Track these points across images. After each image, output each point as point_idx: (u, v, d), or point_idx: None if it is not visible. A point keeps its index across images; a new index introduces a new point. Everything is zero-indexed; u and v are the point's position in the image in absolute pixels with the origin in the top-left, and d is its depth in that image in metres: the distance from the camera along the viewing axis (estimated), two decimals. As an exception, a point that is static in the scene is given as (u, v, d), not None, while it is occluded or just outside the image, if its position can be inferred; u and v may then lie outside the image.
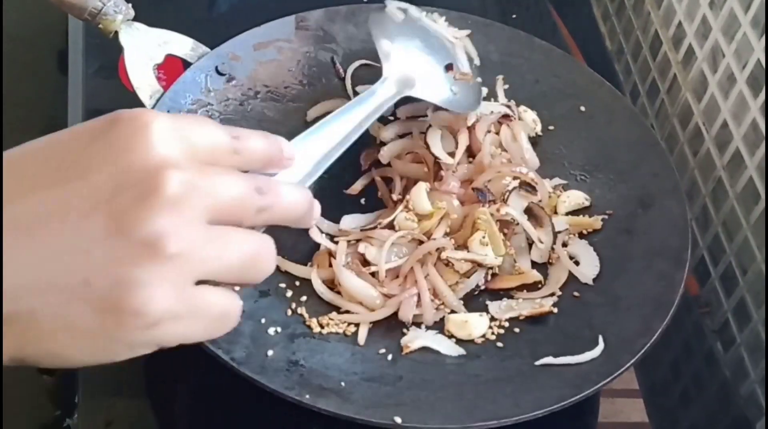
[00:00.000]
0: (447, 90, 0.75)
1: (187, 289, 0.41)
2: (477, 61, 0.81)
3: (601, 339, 0.63)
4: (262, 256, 0.45)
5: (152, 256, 0.39)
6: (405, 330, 0.66)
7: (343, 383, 0.61)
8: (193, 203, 0.41)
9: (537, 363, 0.63)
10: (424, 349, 0.65)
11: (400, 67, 0.72)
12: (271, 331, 0.64)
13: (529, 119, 0.79)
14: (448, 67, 0.77)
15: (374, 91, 0.69)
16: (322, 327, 0.65)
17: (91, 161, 0.41)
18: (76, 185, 0.40)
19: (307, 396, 0.58)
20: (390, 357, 0.64)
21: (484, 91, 0.81)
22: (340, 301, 0.67)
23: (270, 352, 0.62)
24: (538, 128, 0.79)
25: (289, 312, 0.66)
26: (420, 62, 0.75)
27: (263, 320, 0.65)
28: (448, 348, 0.65)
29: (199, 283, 0.42)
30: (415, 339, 0.65)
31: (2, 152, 0.41)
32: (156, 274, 0.40)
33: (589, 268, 0.70)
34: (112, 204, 0.40)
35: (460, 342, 0.65)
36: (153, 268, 0.39)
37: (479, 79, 0.79)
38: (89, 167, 0.41)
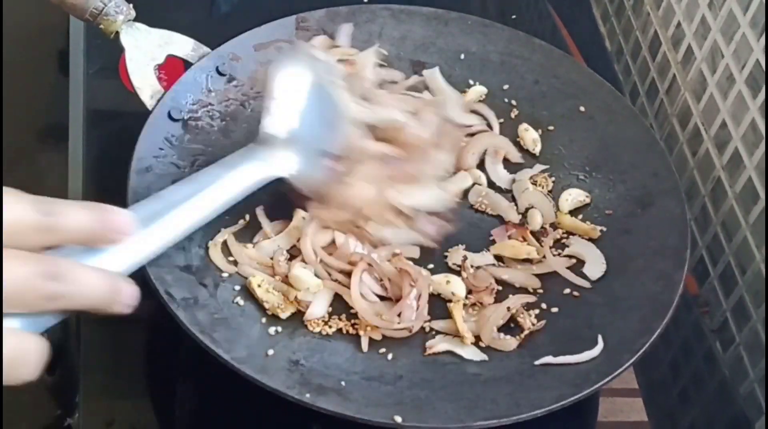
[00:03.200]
0: (316, 174, 0.67)
1: None
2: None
3: (600, 338, 0.64)
4: (20, 361, 0.41)
5: None
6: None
7: (343, 382, 0.61)
8: None
9: (536, 363, 0.63)
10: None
11: (279, 133, 0.65)
12: (272, 330, 0.64)
13: (530, 140, 0.79)
14: (326, 153, 0.68)
15: (243, 161, 0.63)
16: (322, 327, 0.65)
17: None
18: None
19: (308, 395, 0.58)
20: (390, 356, 0.64)
21: (483, 89, 0.81)
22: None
23: (270, 352, 0.62)
24: (537, 149, 0.79)
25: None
26: (302, 133, 0.66)
27: (263, 319, 0.65)
28: (471, 353, 0.65)
29: None
30: (439, 342, 0.65)
31: (2, 149, 0.41)
32: None
33: (594, 267, 0.70)
34: None
35: (484, 349, 0.65)
36: None
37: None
38: None
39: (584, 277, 0.70)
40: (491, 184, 0.76)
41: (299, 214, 0.70)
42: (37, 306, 0.41)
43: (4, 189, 0.43)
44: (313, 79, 0.68)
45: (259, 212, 0.71)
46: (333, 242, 0.69)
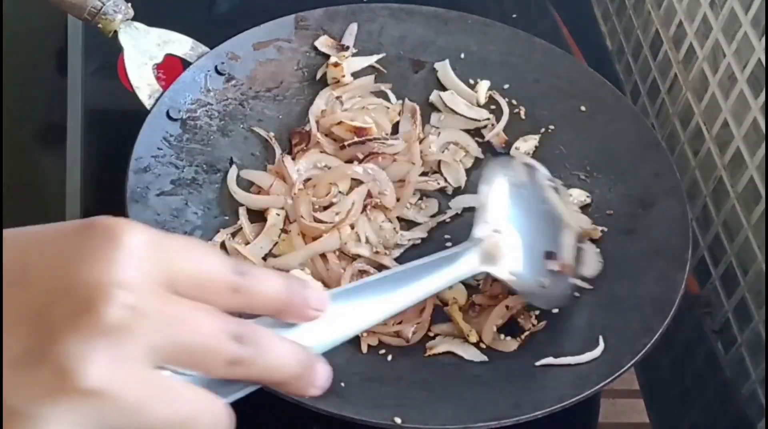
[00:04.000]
0: (535, 279, 0.63)
1: None
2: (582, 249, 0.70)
3: (601, 339, 0.63)
4: (198, 424, 0.36)
5: (61, 388, 0.32)
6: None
7: (342, 383, 0.60)
8: (136, 336, 0.34)
9: (537, 363, 0.63)
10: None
11: (495, 235, 0.61)
12: (272, 331, 0.64)
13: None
14: (549, 255, 0.64)
15: (457, 257, 0.57)
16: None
17: (40, 266, 0.35)
18: (15, 289, 0.34)
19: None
20: (390, 357, 0.64)
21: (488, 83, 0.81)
22: None
23: (269, 353, 0.62)
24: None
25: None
26: (519, 235, 0.62)
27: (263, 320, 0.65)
28: (472, 354, 0.65)
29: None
30: (440, 343, 0.65)
31: (1, 149, 0.39)
32: (58, 412, 0.33)
33: (591, 266, 0.70)
34: (42, 317, 0.34)
35: (484, 350, 0.65)
36: (57, 403, 0.33)
37: (574, 281, 0.67)
38: (35, 272, 0.35)
39: (582, 277, 0.69)
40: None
41: (272, 211, 0.70)
42: (216, 369, 0.37)
43: (199, 242, 0.40)
44: (524, 183, 0.66)
45: (242, 212, 0.71)
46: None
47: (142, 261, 0.35)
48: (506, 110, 0.80)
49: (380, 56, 0.82)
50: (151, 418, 0.34)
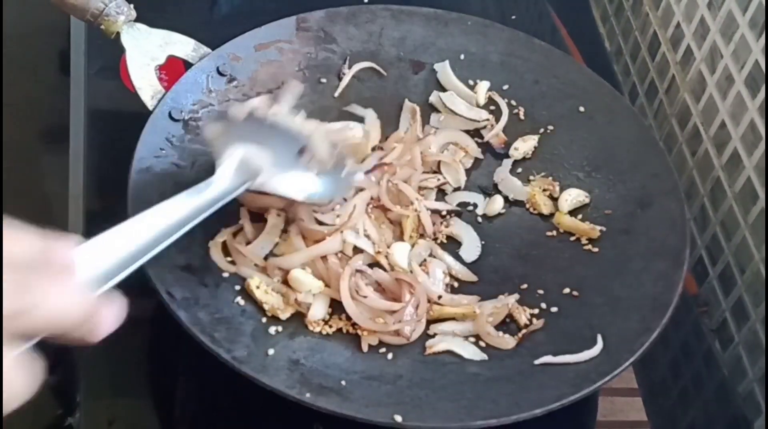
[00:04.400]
0: (299, 177, 0.68)
1: None
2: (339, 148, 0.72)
3: (600, 338, 0.64)
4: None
5: None
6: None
7: (343, 382, 0.61)
8: None
9: (536, 362, 0.63)
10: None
11: (239, 157, 0.65)
12: (272, 330, 0.64)
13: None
14: (301, 151, 0.69)
15: (201, 189, 0.61)
16: (323, 326, 0.66)
17: None
18: None
19: (308, 395, 0.58)
20: (390, 356, 0.64)
21: (487, 84, 0.82)
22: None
23: (271, 351, 0.62)
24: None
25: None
26: (266, 151, 0.66)
27: (264, 319, 0.65)
28: (472, 353, 0.65)
29: None
30: (440, 342, 0.65)
31: (2, 149, 0.39)
32: None
33: (470, 250, 0.72)
34: None
35: (484, 348, 0.65)
36: None
37: (348, 169, 0.71)
38: None
39: (460, 259, 0.72)
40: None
41: (273, 212, 0.70)
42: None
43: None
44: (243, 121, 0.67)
45: (243, 213, 0.71)
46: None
47: None
48: (505, 111, 0.80)
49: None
50: None
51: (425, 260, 0.71)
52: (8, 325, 0.37)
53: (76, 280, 0.41)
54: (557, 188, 0.76)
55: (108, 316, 0.42)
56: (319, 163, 0.69)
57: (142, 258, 0.50)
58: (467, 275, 0.71)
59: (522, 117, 0.81)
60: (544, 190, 0.76)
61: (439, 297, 0.68)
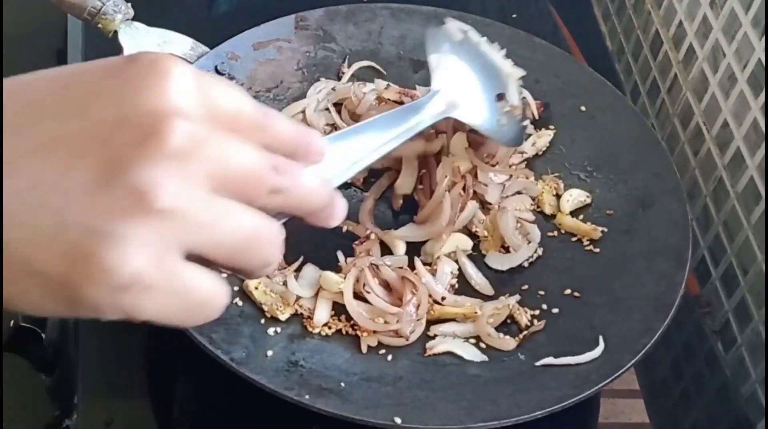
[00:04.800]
0: (493, 119, 0.74)
1: (170, 258, 0.36)
2: (529, 100, 0.79)
3: (601, 339, 0.63)
4: (263, 240, 0.39)
5: (138, 209, 0.35)
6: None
7: (342, 383, 0.60)
8: (198, 161, 0.36)
9: (537, 363, 0.63)
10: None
11: (450, 84, 0.70)
12: (271, 331, 0.64)
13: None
14: (499, 97, 0.74)
15: (422, 104, 0.66)
16: (322, 328, 0.65)
17: (97, 98, 0.36)
18: (73, 121, 0.36)
19: (307, 396, 0.58)
20: (390, 357, 0.64)
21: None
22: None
23: (269, 353, 0.62)
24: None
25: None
26: (470, 85, 0.73)
27: (262, 320, 0.65)
28: (472, 354, 0.65)
29: (188, 259, 0.37)
30: (440, 343, 0.65)
31: (2, 149, 0.39)
32: (138, 231, 0.34)
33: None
34: (107, 145, 0.35)
35: (484, 350, 0.65)
36: (137, 222, 0.34)
37: (526, 122, 0.77)
38: (93, 104, 0.36)
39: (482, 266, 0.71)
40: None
41: None
42: (259, 196, 0.38)
43: (225, 79, 0.42)
44: (462, 41, 0.75)
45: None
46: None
47: (192, 92, 0.37)
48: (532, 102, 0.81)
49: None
50: (221, 234, 0.37)
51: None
52: (268, 202, 0.39)
53: (324, 168, 0.44)
54: (561, 186, 0.76)
55: (340, 206, 0.44)
56: (512, 111, 0.75)
57: (363, 163, 0.52)
58: (485, 288, 0.70)
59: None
60: (554, 188, 0.76)
61: (443, 298, 0.67)
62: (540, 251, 0.72)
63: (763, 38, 0.73)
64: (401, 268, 0.68)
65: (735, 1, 0.77)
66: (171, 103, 0.36)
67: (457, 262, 0.70)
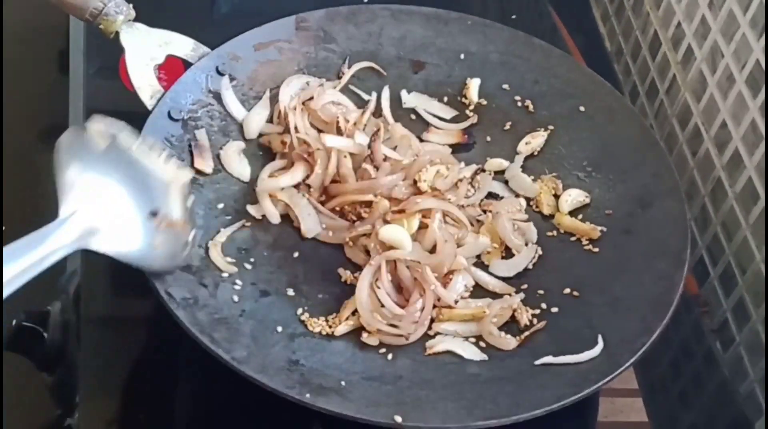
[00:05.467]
0: (142, 242, 0.61)
1: None
2: (190, 203, 0.65)
3: (600, 338, 0.64)
4: None
5: None
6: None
7: (343, 382, 0.61)
8: None
9: (537, 362, 0.63)
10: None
11: (88, 205, 0.58)
12: (272, 330, 0.64)
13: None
14: (153, 214, 0.62)
15: (46, 235, 0.55)
16: (322, 327, 0.65)
17: None
18: None
19: (308, 395, 0.58)
20: (390, 356, 0.64)
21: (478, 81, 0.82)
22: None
23: (270, 352, 0.62)
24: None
25: (290, 312, 0.66)
26: (116, 203, 0.61)
27: (263, 320, 0.65)
28: (472, 353, 0.65)
29: None
30: (440, 342, 0.65)
31: (2, 149, 0.38)
32: None
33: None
34: None
35: (484, 349, 0.65)
36: None
37: (193, 232, 0.65)
38: None
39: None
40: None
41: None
42: None
43: None
44: (106, 150, 0.62)
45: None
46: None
47: None
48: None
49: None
50: None
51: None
52: None
53: None
54: (560, 186, 0.76)
55: None
56: (172, 226, 0.63)
57: None
58: (504, 288, 0.70)
59: (531, 110, 0.81)
60: (552, 189, 0.76)
61: (456, 301, 0.67)
62: (540, 251, 0.72)
63: (761, 39, 0.73)
64: (417, 263, 0.68)
65: (733, 2, 0.78)
66: None
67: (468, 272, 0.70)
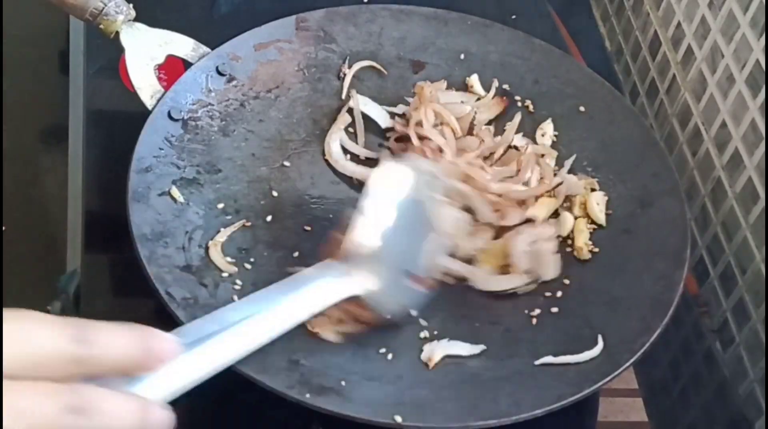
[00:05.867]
0: (396, 302, 0.63)
1: None
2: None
3: (600, 338, 0.64)
4: None
5: None
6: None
7: (343, 382, 0.61)
8: None
9: (537, 362, 0.63)
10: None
11: (368, 251, 0.59)
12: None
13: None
14: (408, 273, 0.64)
15: (331, 278, 0.58)
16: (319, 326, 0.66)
17: None
18: None
19: (308, 395, 0.58)
20: (390, 356, 0.64)
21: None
22: None
23: (270, 351, 0.62)
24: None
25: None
26: (387, 254, 0.60)
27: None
28: (466, 348, 0.65)
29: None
30: (434, 350, 0.65)
31: (2, 149, 0.39)
32: None
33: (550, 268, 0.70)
34: None
35: (475, 338, 0.65)
36: None
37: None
38: None
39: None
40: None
41: None
42: None
43: (30, 313, 0.39)
44: (410, 194, 0.62)
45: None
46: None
47: None
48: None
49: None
50: None
51: None
52: None
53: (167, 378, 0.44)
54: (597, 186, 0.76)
55: (160, 420, 0.43)
56: (422, 283, 0.62)
57: (224, 364, 0.49)
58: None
59: (531, 110, 0.81)
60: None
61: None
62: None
63: (762, 39, 0.74)
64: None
65: (733, 2, 0.78)
66: None
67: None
